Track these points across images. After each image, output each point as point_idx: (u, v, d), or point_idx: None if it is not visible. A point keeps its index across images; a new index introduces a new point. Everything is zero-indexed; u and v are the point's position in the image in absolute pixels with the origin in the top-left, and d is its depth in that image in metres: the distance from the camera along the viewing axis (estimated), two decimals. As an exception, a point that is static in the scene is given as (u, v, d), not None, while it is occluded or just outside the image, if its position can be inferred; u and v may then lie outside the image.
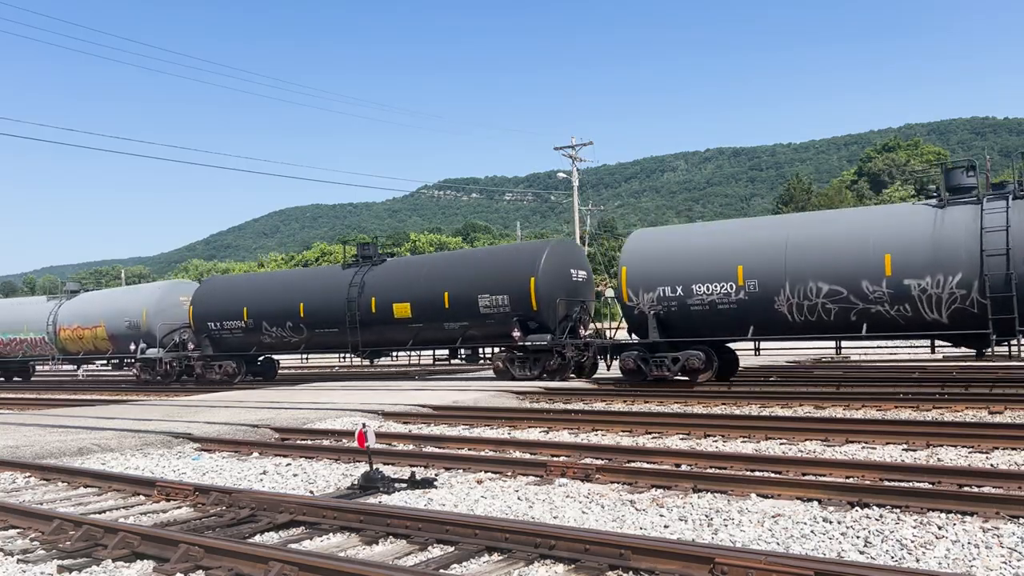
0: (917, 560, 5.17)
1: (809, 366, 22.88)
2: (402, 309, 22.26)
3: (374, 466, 8.27)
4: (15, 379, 37.25)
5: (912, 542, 5.47)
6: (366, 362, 26.86)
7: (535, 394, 16.83)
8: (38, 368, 40.92)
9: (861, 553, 5.36)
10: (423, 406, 14.77)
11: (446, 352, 23.70)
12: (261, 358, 27.86)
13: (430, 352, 25.02)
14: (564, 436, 11.54)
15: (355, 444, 8.74)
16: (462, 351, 22.98)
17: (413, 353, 26.39)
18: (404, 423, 13.71)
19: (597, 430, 11.80)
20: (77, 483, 9.05)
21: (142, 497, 8.09)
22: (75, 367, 39.60)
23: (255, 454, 10.87)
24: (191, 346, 27.59)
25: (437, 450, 10.42)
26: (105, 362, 34.13)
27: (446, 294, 21.48)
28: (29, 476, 9.74)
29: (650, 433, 11.29)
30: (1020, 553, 5.14)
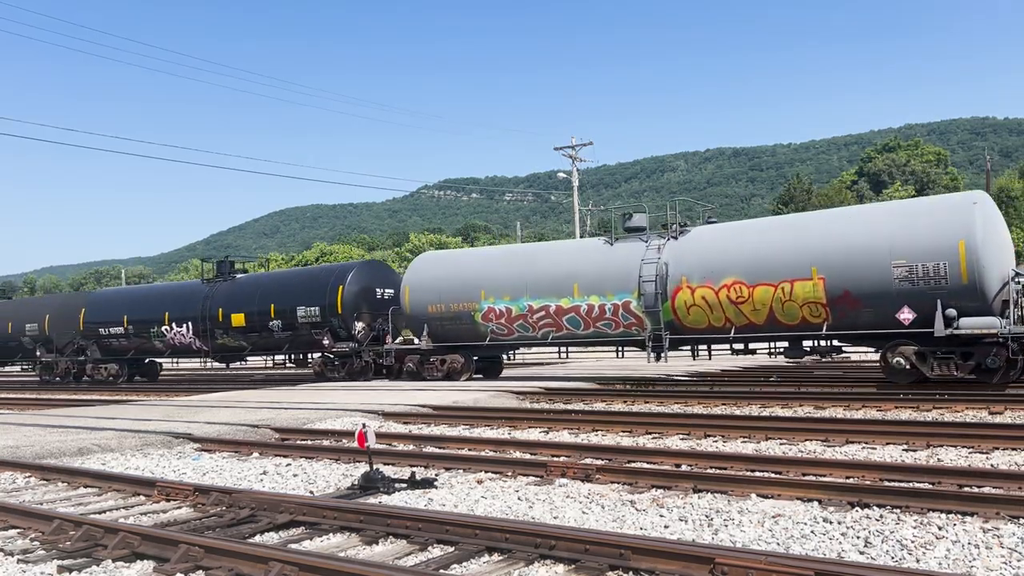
0: (917, 560, 5.17)
1: (809, 366, 22.87)
2: None
3: (374, 466, 8.27)
4: (476, 376, 22.07)
5: (912, 542, 5.47)
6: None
7: (535, 394, 16.83)
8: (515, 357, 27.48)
9: (861, 553, 5.37)
10: (423, 406, 14.77)
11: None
12: None
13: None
14: (564, 436, 11.54)
15: (355, 444, 8.74)
16: None
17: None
18: (404, 423, 13.71)
19: (597, 430, 11.80)
20: (77, 483, 9.05)
21: (142, 497, 8.09)
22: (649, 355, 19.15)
23: (255, 454, 10.87)
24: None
25: (437, 450, 10.43)
26: (734, 348, 18.50)
27: None
28: (29, 476, 9.74)
29: (650, 433, 11.29)
30: (1020, 553, 5.15)
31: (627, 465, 8.51)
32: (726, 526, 6.16)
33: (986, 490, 6.72)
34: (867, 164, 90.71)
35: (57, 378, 32.07)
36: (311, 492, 8.27)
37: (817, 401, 13.80)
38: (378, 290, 24.46)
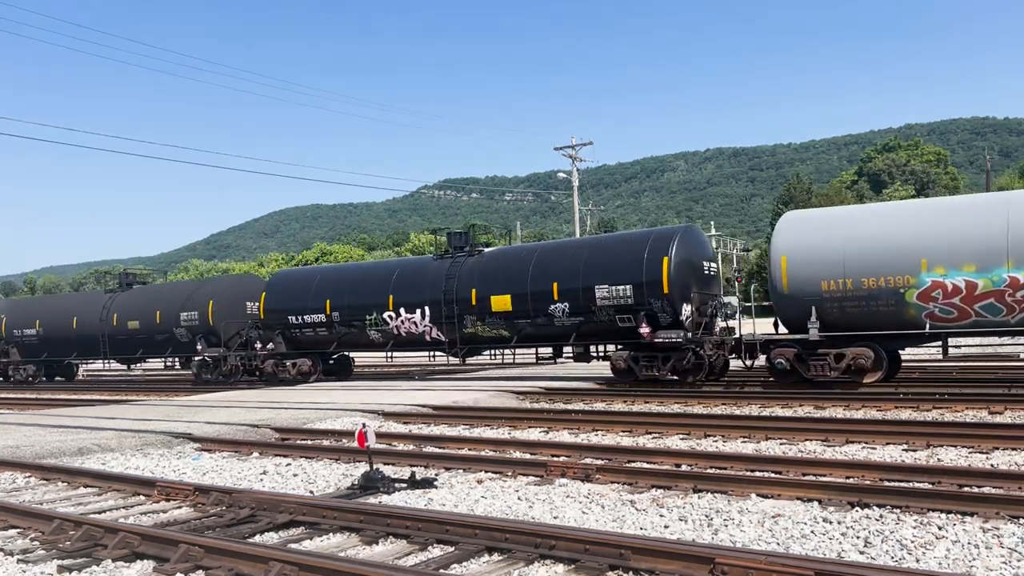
0: (917, 560, 5.17)
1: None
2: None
3: (374, 466, 8.27)
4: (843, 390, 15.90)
5: (912, 542, 5.47)
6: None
7: (535, 394, 16.83)
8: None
9: (861, 553, 5.36)
10: (423, 406, 14.76)
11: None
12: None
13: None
14: (564, 436, 11.54)
15: (355, 444, 8.74)
16: None
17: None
18: (404, 423, 13.71)
19: (597, 430, 11.79)
20: (77, 483, 9.05)
21: (142, 497, 8.09)
22: None
23: (255, 454, 10.87)
24: None
25: (437, 450, 10.42)
26: None
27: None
28: (29, 476, 9.74)
29: (650, 433, 11.29)
30: (1020, 553, 5.15)
31: (627, 465, 8.51)
32: (726, 526, 6.16)
33: (986, 490, 6.72)
34: (867, 164, 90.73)
35: (220, 377, 26.61)
36: (311, 492, 8.27)
37: (817, 401, 13.80)
38: (704, 264, 19.13)
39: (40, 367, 33.72)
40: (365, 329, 22.60)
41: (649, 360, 18.12)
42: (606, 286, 18.66)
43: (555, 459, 8.74)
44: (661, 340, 17.87)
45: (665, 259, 17.99)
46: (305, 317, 23.74)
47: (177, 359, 29.59)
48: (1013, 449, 8.87)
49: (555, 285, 19.43)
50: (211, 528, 6.59)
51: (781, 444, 10.05)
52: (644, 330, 18.01)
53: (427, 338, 21.74)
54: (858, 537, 5.67)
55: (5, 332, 33.70)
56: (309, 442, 11.58)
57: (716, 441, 10.53)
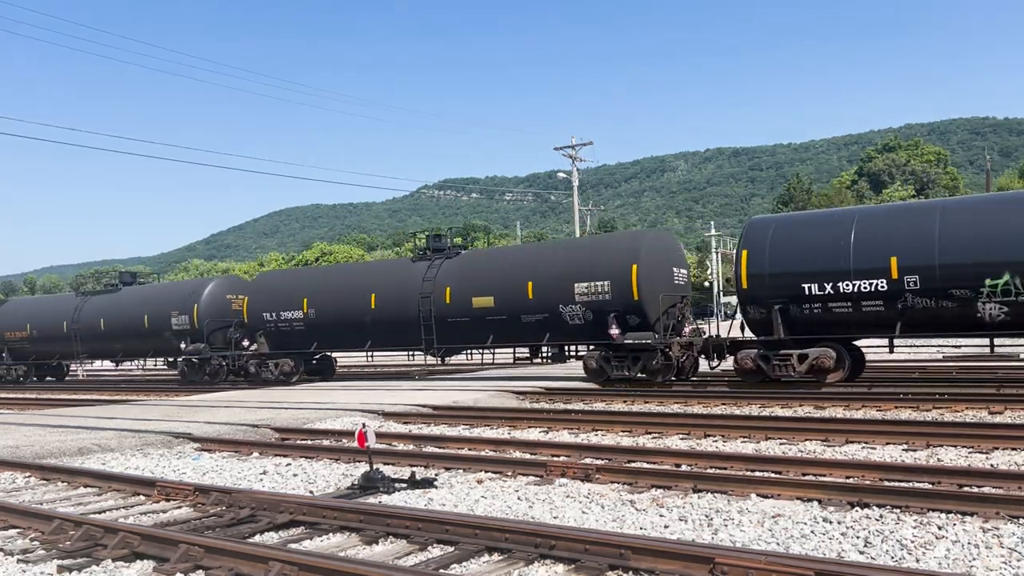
0: (917, 560, 5.17)
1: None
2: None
3: (374, 466, 8.27)
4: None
5: (912, 542, 5.47)
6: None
7: (535, 394, 16.82)
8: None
9: (861, 553, 5.36)
10: (423, 406, 14.76)
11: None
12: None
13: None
14: (564, 436, 11.53)
15: (355, 444, 8.74)
16: None
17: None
18: (404, 423, 13.71)
19: (597, 430, 11.79)
20: (77, 483, 9.05)
21: (142, 497, 8.09)
22: None
23: (255, 454, 10.87)
24: None
25: (437, 450, 10.42)
26: None
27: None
28: (29, 476, 9.74)
29: (650, 433, 11.29)
30: (1020, 553, 5.14)
31: (627, 465, 8.51)
32: (726, 526, 6.16)
33: (986, 490, 6.71)
34: (867, 164, 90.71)
35: (645, 375, 18.25)
36: (311, 492, 8.27)
37: (817, 401, 13.79)
38: None
39: (300, 361, 25.06)
40: (975, 301, 14.82)
41: None
42: None
43: (555, 459, 8.73)
44: None
45: None
46: (840, 285, 15.73)
47: (548, 349, 20.78)
48: (1013, 449, 8.86)
49: None
50: (211, 528, 6.59)
51: (781, 444, 10.05)
52: None
53: None
54: (858, 537, 5.67)
55: (249, 318, 25.39)
56: (309, 442, 11.57)
57: (716, 441, 10.53)
